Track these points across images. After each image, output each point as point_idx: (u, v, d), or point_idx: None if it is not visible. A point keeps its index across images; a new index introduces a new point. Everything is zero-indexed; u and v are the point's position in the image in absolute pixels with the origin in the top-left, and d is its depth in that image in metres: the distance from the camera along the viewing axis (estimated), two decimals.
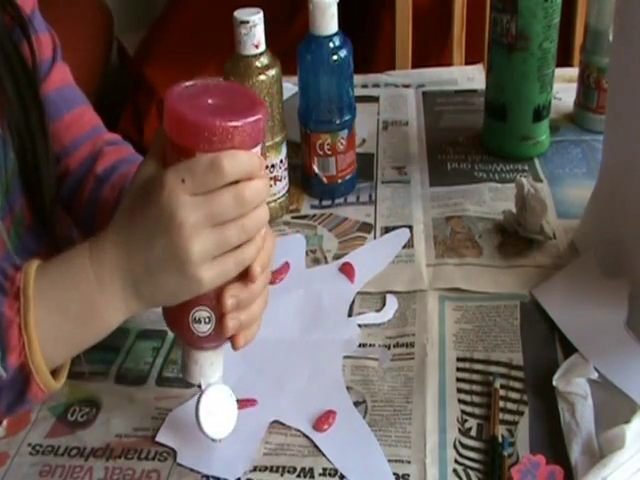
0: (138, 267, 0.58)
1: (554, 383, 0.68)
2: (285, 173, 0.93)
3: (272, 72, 0.87)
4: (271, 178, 0.91)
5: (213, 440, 0.63)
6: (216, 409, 0.63)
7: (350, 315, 0.79)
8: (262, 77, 0.86)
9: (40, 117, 0.74)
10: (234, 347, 0.63)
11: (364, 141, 1.08)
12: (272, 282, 0.83)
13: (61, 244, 0.76)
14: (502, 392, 0.69)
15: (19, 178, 0.74)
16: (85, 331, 0.61)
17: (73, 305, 0.59)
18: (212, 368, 0.64)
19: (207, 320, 0.60)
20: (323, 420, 0.67)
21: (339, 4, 0.87)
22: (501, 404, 0.68)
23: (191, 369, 0.64)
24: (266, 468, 0.64)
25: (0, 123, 0.71)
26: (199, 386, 0.64)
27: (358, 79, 1.04)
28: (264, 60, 0.86)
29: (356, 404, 0.69)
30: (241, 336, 0.62)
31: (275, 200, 0.93)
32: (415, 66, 1.45)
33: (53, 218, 0.78)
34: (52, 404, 0.71)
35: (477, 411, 0.68)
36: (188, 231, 0.56)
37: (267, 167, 0.90)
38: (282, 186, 0.93)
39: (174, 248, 0.56)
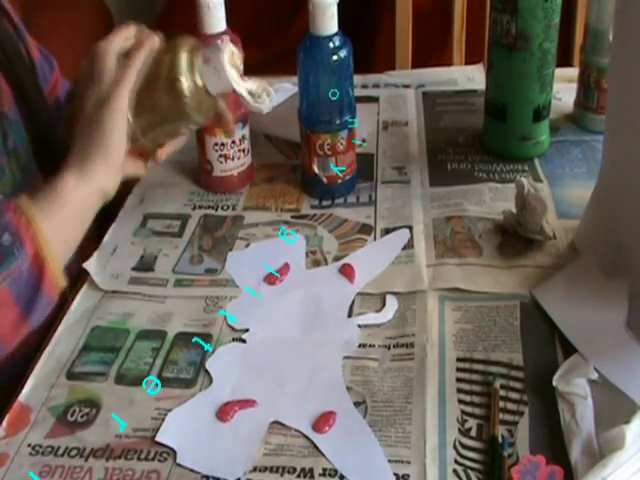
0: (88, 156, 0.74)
1: (554, 383, 0.68)
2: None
3: None
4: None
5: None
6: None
7: (350, 315, 0.79)
8: None
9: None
10: None
11: (364, 141, 1.08)
12: (272, 283, 0.83)
13: None
14: (502, 392, 0.69)
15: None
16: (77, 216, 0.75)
17: (59, 202, 0.72)
18: None
19: None
20: (323, 422, 0.67)
21: (339, 4, 0.87)
22: (501, 404, 0.68)
23: None
24: (266, 468, 0.64)
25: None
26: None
27: (358, 79, 1.04)
28: None
29: (356, 404, 0.69)
30: None
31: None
32: (415, 66, 1.45)
33: None
34: (52, 404, 0.71)
35: (477, 411, 0.68)
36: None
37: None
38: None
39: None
